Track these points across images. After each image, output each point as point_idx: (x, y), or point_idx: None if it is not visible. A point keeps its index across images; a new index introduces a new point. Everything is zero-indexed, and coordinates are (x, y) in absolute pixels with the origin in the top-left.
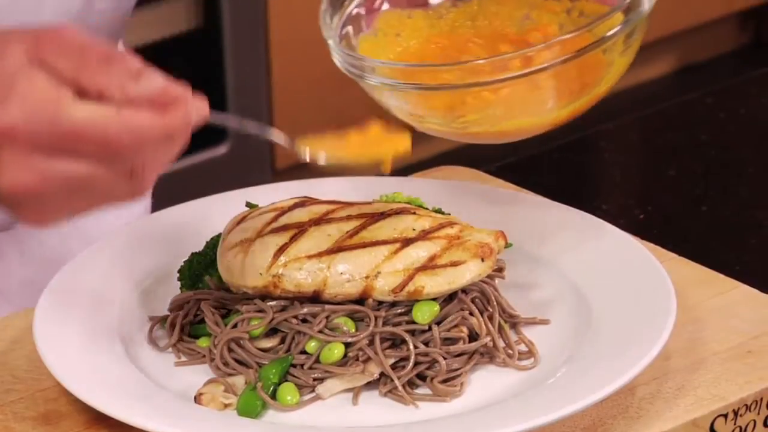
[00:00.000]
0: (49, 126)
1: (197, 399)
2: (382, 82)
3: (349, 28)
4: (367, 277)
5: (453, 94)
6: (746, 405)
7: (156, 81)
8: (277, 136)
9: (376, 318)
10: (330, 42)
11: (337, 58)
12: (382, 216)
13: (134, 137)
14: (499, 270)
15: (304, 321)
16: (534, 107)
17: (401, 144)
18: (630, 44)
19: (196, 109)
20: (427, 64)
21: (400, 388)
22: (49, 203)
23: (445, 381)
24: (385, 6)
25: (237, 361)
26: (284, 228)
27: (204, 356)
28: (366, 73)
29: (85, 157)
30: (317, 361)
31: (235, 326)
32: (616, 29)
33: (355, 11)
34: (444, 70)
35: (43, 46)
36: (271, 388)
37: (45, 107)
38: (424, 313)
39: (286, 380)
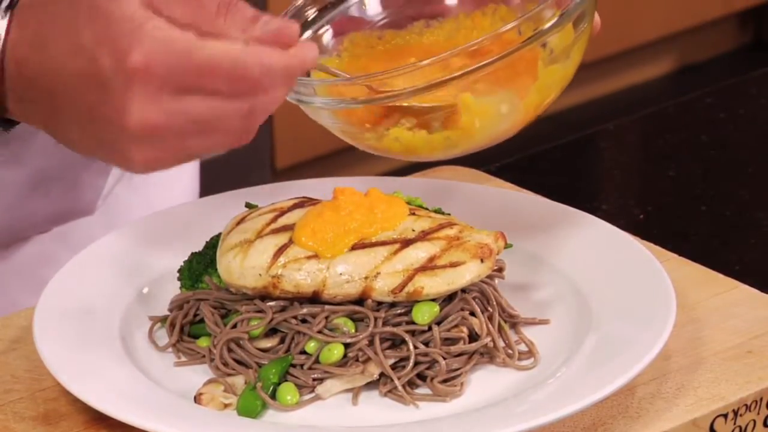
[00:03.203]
0: (185, 60)
1: (197, 399)
2: (297, 98)
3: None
4: (366, 278)
5: (376, 108)
6: (746, 405)
7: (274, 23)
8: None
9: (375, 318)
10: None
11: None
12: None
13: (265, 71)
14: (499, 270)
15: (304, 321)
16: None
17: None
18: (575, 42)
19: (309, 50)
20: (342, 78)
21: (400, 388)
22: (168, 145)
23: (445, 381)
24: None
25: (237, 361)
26: (284, 228)
27: (204, 356)
28: (302, 95)
29: (215, 92)
30: (317, 361)
31: (234, 326)
32: (550, 24)
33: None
34: (362, 82)
35: None
36: (271, 388)
37: (177, 43)
38: (423, 314)
39: (286, 380)
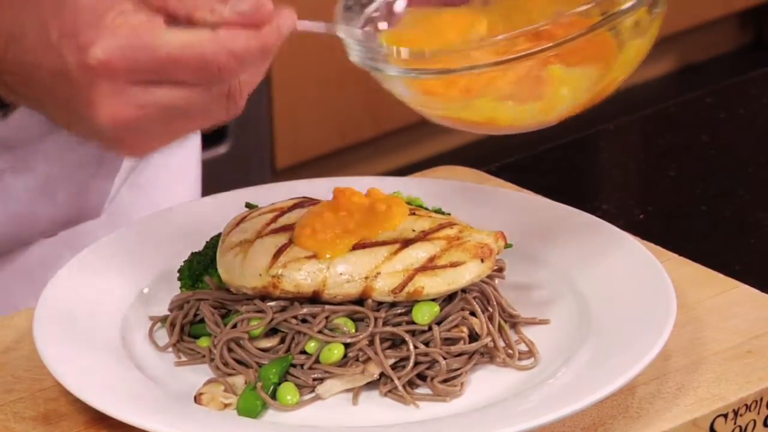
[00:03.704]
0: (146, 55)
1: (197, 399)
2: (395, 71)
3: (369, 27)
4: (366, 278)
5: (462, 79)
6: (746, 405)
7: (239, 5)
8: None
9: (375, 318)
10: (343, 34)
11: (354, 52)
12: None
13: (233, 57)
14: (499, 270)
15: (304, 321)
16: (544, 92)
17: None
18: (652, 20)
19: (286, 18)
20: (440, 49)
21: (400, 388)
22: (148, 132)
23: (445, 381)
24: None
25: (237, 361)
26: (284, 228)
27: (204, 356)
28: (379, 62)
29: (183, 83)
30: (317, 361)
31: (234, 326)
32: (629, 4)
33: (374, 14)
34: (450, 56)
35: None
36: (271, 388)
37: (139, 37)
38: (424, 314)
39: (286, 380)
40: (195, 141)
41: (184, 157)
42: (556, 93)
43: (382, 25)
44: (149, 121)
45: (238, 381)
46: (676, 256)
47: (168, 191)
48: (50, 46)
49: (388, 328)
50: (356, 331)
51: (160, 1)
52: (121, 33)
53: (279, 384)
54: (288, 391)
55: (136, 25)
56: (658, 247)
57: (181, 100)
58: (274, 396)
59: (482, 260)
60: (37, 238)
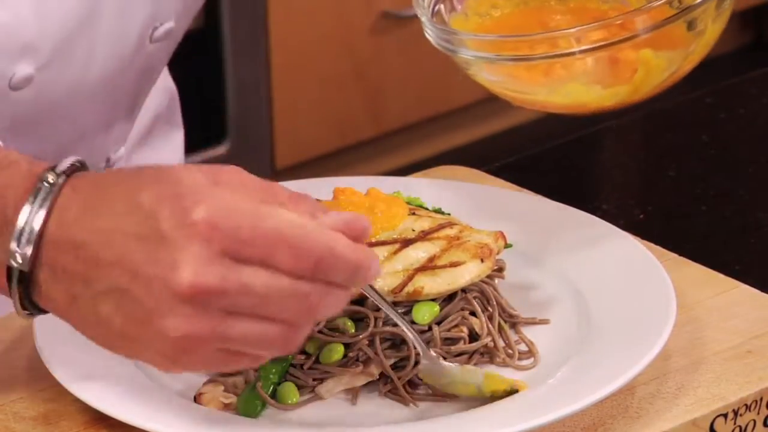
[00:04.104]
0: (251, 222)
1: (197, 399)
2: (474, 55)
3: (441, 6)
4: None
5: (543, 64)
6: (746, 405)
7: (343, 215)
8: None
9: (375, 318)
10: (423, 18)
11: (431, 34)
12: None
13: (331, 254)
14: (499, 270)
15: None
16: (631, 75)
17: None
18: (722, 11)
19: (375, 259)
20: (518, 36)
21: (400, 388)
22: (214, 318)
23: None
24: None
25: None
26: None
27: None
28: (458, 47)
29: (275, 267)
30: (317, 361)
31: None
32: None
33: None
34: (535, 40)
35: (222, 175)
36: (271, 388)
37: (244, 205)
38: (423, 314)
39: (286, 380)
40: (177, 141)
41: (166, 158)
42: (643, 76)
43: (455, 5)
44: (223, 302)
45: (238, 381)
46: (676, 256)
47: None
48: (139, 208)
49: (388, 328)
50: (356, 331)
51: (261, 202)
52: (227, 200)
53: (279, 384)
54: (288, 391)
55: (240, 199)
56: (658, 247)
57: (265, 288)
58: (274, 396)
59: (482, 260)
60: None
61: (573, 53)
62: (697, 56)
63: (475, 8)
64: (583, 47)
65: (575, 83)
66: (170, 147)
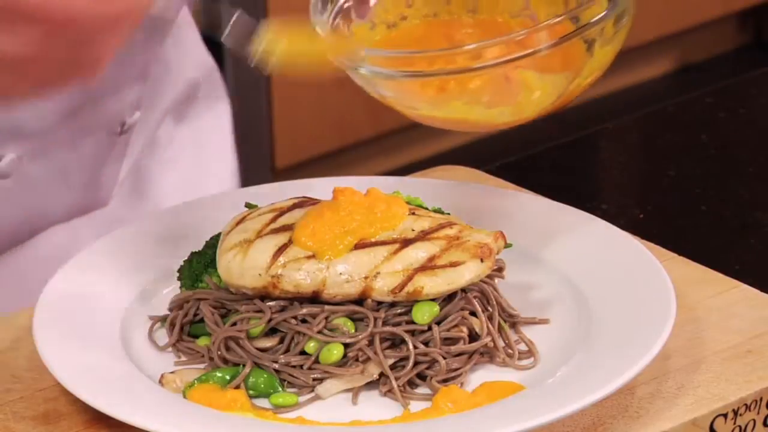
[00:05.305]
0: None
1: (160, 380)
2: (369, 70)
3: (340, 20)
4: (366, 278)
5: (437, 81)
6: (746, 405)
7: None
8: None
9: (375, 318)
10: (319, 31)
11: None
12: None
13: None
14: (499, 270)
15: (304, 321)
16: (515, 96)
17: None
18: (617, 31)
19: None
20: (410, 52)
21: (395, 388)
22: None
23: (445, 381)
24: None
25: (235, 361)
26: (283, 228)
27: (203, 356)
28: (354, 62)
29: (32, 27)
30: (317, 361)
31: (233, 325)
32: (599, 16)
33: (347, 4)
34: (427, 57)
35: None
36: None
37: None
38: (423, 314)
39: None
40: (221, 111)
41: (210, 129)
42: (527, 97)
43: (356, 17)
44: None
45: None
46: (676, 255)
47: (201, 168)
48: None
49: (388, 328)
50: (356, 331)
51: None
52: None
53: (268, 395)
54: (280, 397)
55: None
56: (658, 247)
57: (25, 48)
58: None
59: (482, 260)
60: (49, 226)
61: (468, 70)
62: (588, 78)
63: (383, 17)
64: (479, 64)
65: (457, 102)
66: (214, 117)
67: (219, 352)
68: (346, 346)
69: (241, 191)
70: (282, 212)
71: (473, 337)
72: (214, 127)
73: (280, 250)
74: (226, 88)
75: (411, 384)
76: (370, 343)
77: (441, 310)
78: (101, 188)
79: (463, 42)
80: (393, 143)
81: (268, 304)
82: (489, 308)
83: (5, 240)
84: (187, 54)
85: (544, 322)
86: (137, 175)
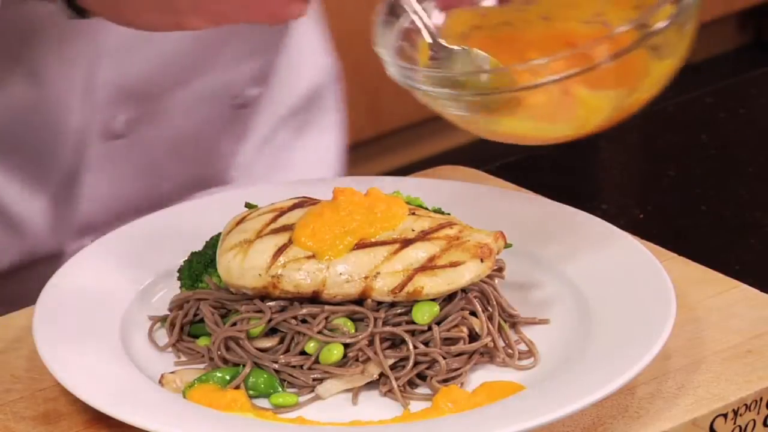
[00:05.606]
0: None
1: (160, 380)
2: (435, 92)
3: (404, 43)
4: (366, 278)
5: (503, 97)
6: (746, 405)
7: None
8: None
9: (375, 318)
10: (385, 57)
11: (392, 71)
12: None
13: None
14: (499, 270)
15: (304, 321)
16: (574, 111)
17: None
18: (680, 40)
19: None
20: (474, 71)
21: (395, 389)
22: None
23: (445, 381)
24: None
25: (235, 360)
26: (283, 228)
27: (203, 356)
28: (418, 83)
29: None
30: (317, 361)
31: (233, 325)
32: (663, 24)
33: (408, 25)
34: (493, 75)
35: None
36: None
37: None
38: (423, 314)
39: (278, 390)
40: (329, 124)
41: (325, 143)
42: (582, 114)
43: (425, 35)
44: None
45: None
46: (676, 255)
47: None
48: None
49: (388, 328)
50: (356, 331)
51: None
52: None
53: (268, 395)
54: (280, 397)
55: None
56: (658, 247)
57: None
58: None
59: (482, 260)
60: (165, 199)
61: (533, 87)
62: (647, 93)
63: (453, 27)
64: (542, 81)
65: (513, 118)
66: (325, 126)
67: (219, 353)
68: (346, 346)
69: (241, 191)
70: (282, 212)
71: (473, 337)
72: (322, 135)
73: (280, 250)
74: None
75: (411, 384)
76: (370, 343)
77: (441, 310)
78: (218, 163)
79: (529, 56)
80: (393, 143)
81: (268, 304)
82: (489, 308)
83: (127, 206)
84: (309, 55)
85: (544, 322)
86: (259, 159)
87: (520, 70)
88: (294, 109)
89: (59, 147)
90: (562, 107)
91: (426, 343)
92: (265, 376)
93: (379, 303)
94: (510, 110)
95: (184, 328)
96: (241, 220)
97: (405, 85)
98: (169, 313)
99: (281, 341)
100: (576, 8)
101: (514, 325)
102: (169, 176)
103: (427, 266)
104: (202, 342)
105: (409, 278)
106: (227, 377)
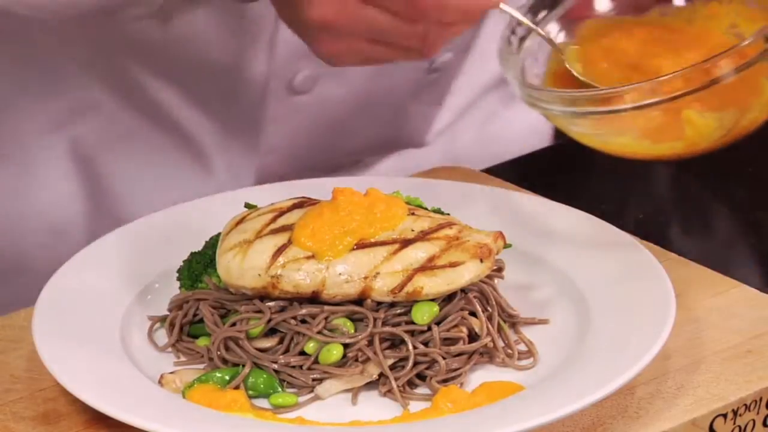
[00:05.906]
0: None
1: (160, 380)
2: (561, 110)
3: (526, 63)
4: (365, 278)
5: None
6: (746, 405)
7: None
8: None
9: (375, 319)
10: (512, 79)
11: (518, 93)
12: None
13: (437, 5)
14: (499, 270)
15: (303, 322)
16: (682, 131)
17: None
18: None
19: None
20: (595, 91)
21: (395, 389)
22: (347, 41)
23: (444, 381)
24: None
25: (234, 360)
26: (283, 229)
27: (203, 356)
28: (547, 104)
29: (392, 12)
30: (316, 361)
31: (233, 326)
32: None
33: (532, 44)
34: (615, 93)
35: None
36: (260, 394)
37: None
38: (423, 314)
39: (277, 390)
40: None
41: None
42: (690, 135)
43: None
44: (350, 32)
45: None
46: (676, 256)
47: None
48: None
49: (388, 329)
50: (355, 331)
51: None
52: None
53: (268, 395)
54: (280, 397)
55: None
56: (658, 247)
57: (384, 25)
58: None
59: (481, 260)
60: (354, 157)
61: (640, 107)
62: (762, 114)
63: (588, 37)
64: (663, 97)
65: (625, 137)
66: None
67: (218, 353)
68: (346, 346)
69: (241, 191)
70: (281, 212)
71: (473, 337)
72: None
73: (280, 250)
74: None
75: (411, 384)
76: (370, 343)
77: (441, 310)
78: (410, 125)
79: (658, 71)
80: None
81: (267, 304)
82: (489, 308)
83: (308, 160)
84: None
85: (544, 322)
86: (461, 126)
87: (630, 90)
88: (500, 79)
89: (246, 95)
90: (668, 128)
91: (425, 344)
92: (265, 376)
93: (379, 303)
94: (619, 130)
95: (184, 328)
96: (241, 221)
97: (531, 106)
98: (168, 313)
99: (281, 341)
100: (713, 19)
101: (513, 326)
102: (355, 135)
103: (427, 266)
104: (202, 342)
105: (409, 278)
106: (227, 377)
